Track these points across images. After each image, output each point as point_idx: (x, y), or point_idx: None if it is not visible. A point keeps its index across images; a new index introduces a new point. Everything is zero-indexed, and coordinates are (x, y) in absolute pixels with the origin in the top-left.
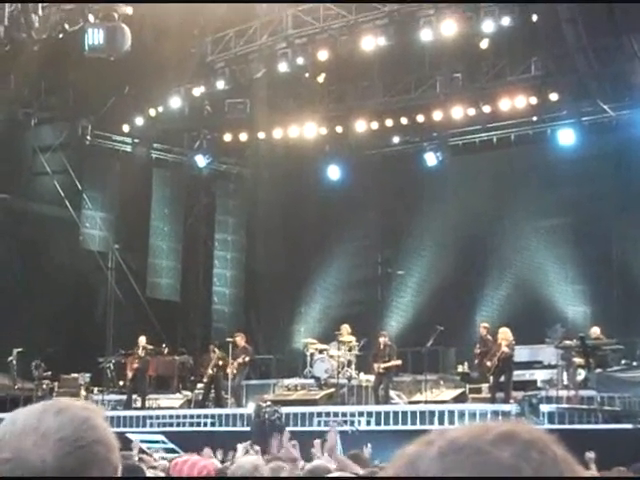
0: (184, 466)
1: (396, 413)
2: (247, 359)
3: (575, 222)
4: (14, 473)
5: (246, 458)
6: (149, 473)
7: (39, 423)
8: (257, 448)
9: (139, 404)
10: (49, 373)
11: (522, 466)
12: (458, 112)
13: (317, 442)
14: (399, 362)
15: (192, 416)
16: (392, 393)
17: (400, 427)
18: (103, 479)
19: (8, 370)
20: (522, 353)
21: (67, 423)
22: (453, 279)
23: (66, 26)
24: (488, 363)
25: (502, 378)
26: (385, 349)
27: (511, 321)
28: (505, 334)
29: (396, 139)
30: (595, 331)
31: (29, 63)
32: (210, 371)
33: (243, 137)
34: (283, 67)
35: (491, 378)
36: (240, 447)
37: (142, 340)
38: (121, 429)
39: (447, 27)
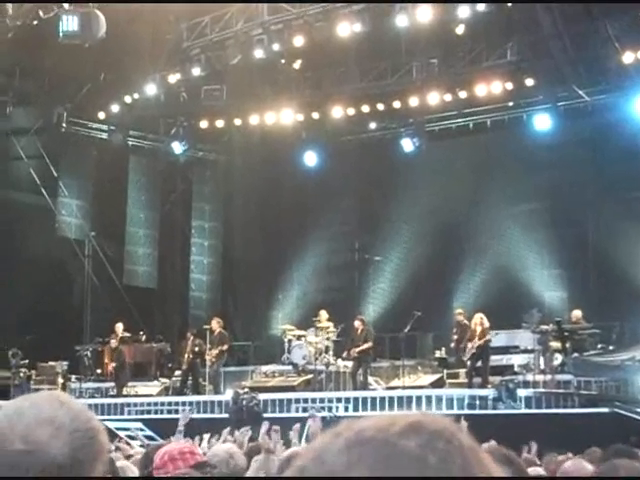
0: (154, 454)
1: (374, 399)
2: (225, 347)
3: (551, 207)
4: (35, 466)
5: (220, 445)
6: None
7: (52, 415)
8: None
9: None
10: (26, 361)
11: (428, 456)
12: (434, 98)
13: (296, 427)
14: (370, 344)
15: (170, 403)
16: (370, 379)
17: (378, 413)
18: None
19: None
20: (499, 338)
21: (77, 415)
22: (430, 265)
23: (40, 13)
24: (466, 348)
25: (479, 363)
26: (362, 333)
27: (488, 306)
28: (480, 319)
29: (373, 125)
30: (577, 314)
31: (3, 50)
32: (188, 358)
33: (219, 124)
34: (259, 53)
35: (468, 363)
36: (224, 433)
37: (119, 327)
38: (99, 417)
39: (423, 13)
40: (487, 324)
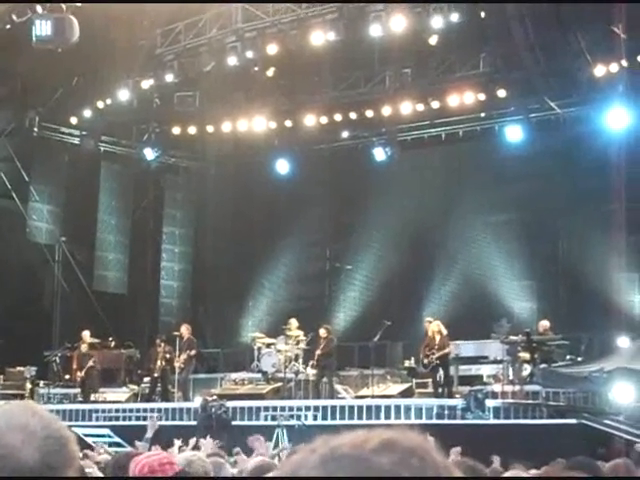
0: (132, 465)
1: (343, 407)
2: (193, 353)
3: (522, 218)
4: (5, 470)
5: (181, 454)
6: (93, 469)
7: (25, 422)
8: (210, 441)
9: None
10: None
11: (400, 473)
12: (407, 107)
13: (260, 437)
14: (328, 350)
15: (139, 410)
16: (339, 387)
17: (347, 422)
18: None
19: None
20: (468, 348)
21: (49, 422)
22: (401, 274)
23: (14, 17)
24: (425, 359)
25: (440, 372)
26: (324, 341)
27: (458, 315)
28: (438, 327)
29: (345, 134)
30: (544, 324)
31: None
32: (158, 364)
33: (192, 130)
34: (232, 60)
35: (431, 373)
36: (176, 443)
37: (86, 334)
38: (67, 423)
39: (396, 23)
40: (445, 332)
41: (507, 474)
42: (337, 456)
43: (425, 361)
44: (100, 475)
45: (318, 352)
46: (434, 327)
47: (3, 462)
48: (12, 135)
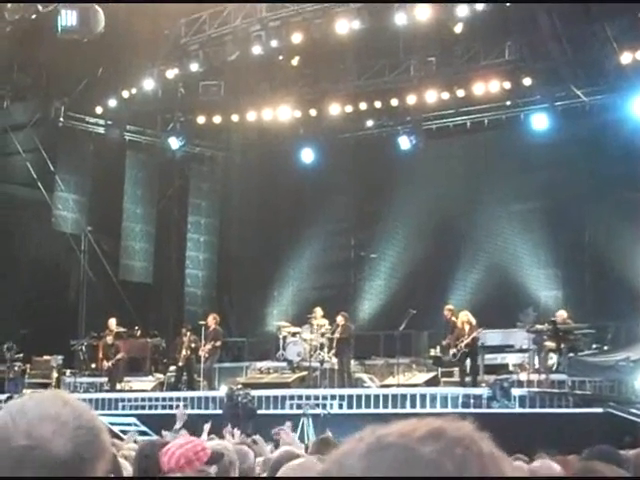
0: (165, 458)
1: (368, 396)
2: (218, 343)
3: (548, 207)
4: (38, 461)
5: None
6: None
7: (56, 412)
8: (236, 432)
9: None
10: (21, 355)
11: (443, 462)
12: (432, 96)
13: (288, 424)
14: (345, 336)
15: (164, 399)
16: (364, 376)
17: (372, 410)
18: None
19: None
20: (494, 337)
21: (81, 412)
22: (426, 263)
23: (39, 7)
24: (453, 349)
25: (468, 361)
26: (341, 329)
27: (483, 305)
28: (467, 317)
29: (370, 123)
30: (562, 314)
31: (2, 44)
32: (183, 354)
33: (217, 120)
34: (257, 50)
35: (458, 362)
36: (206, 428)
37: (112, 322)
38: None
39: (421, 11)
40: (474, 321)
41: (533, 464)
42: (383, 445)
43: (454, 350)
44: (127, 465)
45: (336, 336)
46: (463, 317)
47: (34, 453)
48: (37, 125)
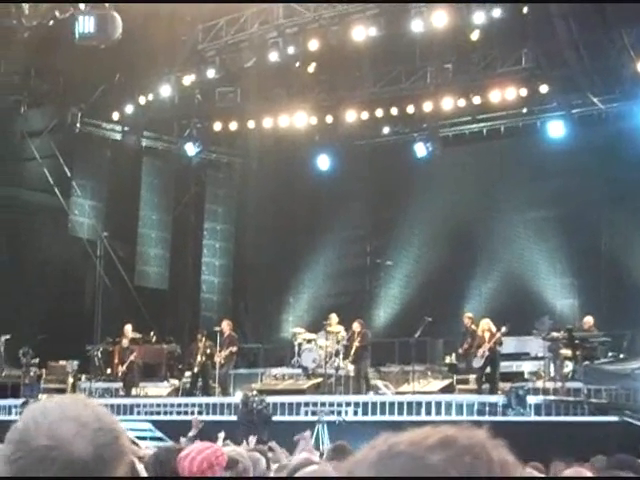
0: (185, 463)
1: (383, 404)
2: (235, 349)
3: (564, 214)
4: (58, 462)
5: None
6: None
7: (77, 414)
8: (251, 438)
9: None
10: (37, 360)
11: (450, 471)
12: (448, 103)
13: (308, 433)
14: (363, 343)
15: (180, 405)
16: (379, 383)
17: (387, 418)
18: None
19: None
20: (509, 344)
21: (101, 415)
22: (442, 270)
23: (56, 13)
24: (475, 354)
25: (488, 369)
26: (358, 336)
27: (499, 312)
28: (488, 325)
29: (386, 129)
30: (588, 320)
31: (19, 50)
32: (199, 360)
33: (233, 126)
34: (274, 56)
35: (478, 369)
36: (220, 436)
37: (128, 329)
38: None
39: (438, 18)
40: (494, 329)
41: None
42: (394, 453)
43: (479, 357)
44: (142, 470)
45: (356, 344)
46: (484, 325)
47: (55, 453)
48: (54, 131)
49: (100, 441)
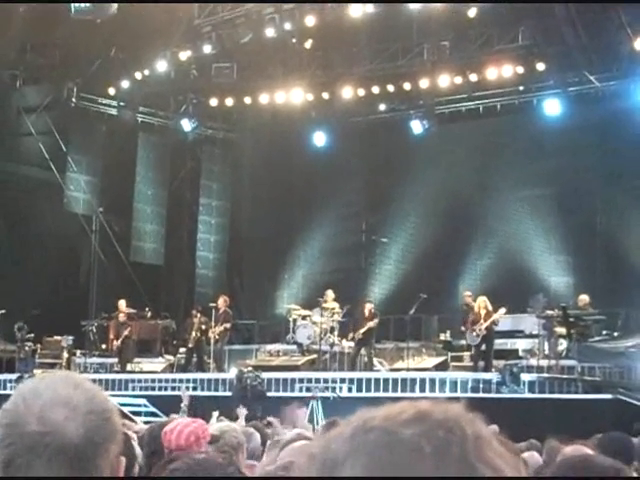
0: (172, 436)
1: (377, 380)
2: (229, 326)
3: (560, 193)
4: (48, 447)
5: (215, 424)
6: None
7: (68, 396)
8: (243, 411)
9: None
10: (32, 335)
11: (422, 445)
12: (445, 80)
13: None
14: (373, 324)
15: (174, 380)
16: (374, 360)
17: (381, 394)
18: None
19: None
20: (504, 322)
21: (92, 395)
22: (437, 247)
23: None
24: (473, 331)
25: (483, 347)
26: (369, 316)
27: (494, 290)
28: (485, 302)
29: (382, 106)
30: (583, 299)
31: (15, 24)
32: (193, 335)
33: (229, 102)
34: (270, 32)
35: (473, 347)
36: (214, 415)
37: (122, 304)
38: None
39: None
40: (491, 307)
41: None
42: (367, 428)
43: (474, 334)
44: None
45: (370, 325)
46: (481, 303)
47: (48, 439)
48: (50, 106)
49: (91, 424)
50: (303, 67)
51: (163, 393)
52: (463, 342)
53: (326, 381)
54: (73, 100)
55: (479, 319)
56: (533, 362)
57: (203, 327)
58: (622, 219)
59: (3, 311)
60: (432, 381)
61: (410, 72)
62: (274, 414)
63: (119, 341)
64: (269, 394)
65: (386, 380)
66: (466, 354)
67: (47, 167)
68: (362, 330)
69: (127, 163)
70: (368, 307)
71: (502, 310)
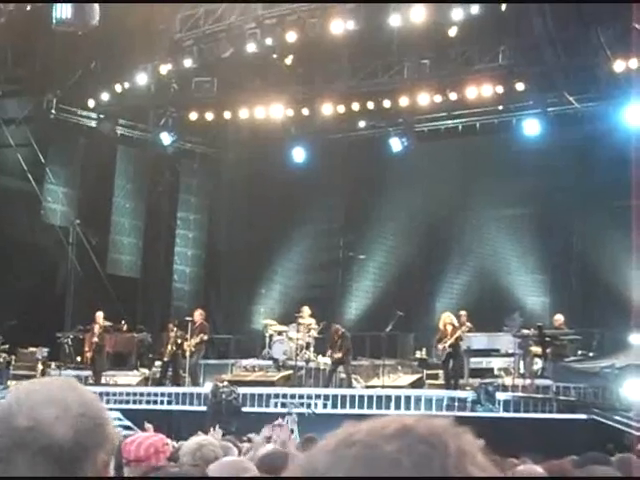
0: (131, 447)
1: (353, 397)
2: (205, 337)
3: (537, 213)
4: (35, 443)
5: (193, 438)
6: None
7: (62, 396)
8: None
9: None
10: (6, 346)
11: (402, 460)
12: (425, 98)
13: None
14: (345, 351)
15: (149, 394)
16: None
17: (357, 411)
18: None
19: None
20: (480, 341)
21: (87, 400)
22: (414, 265)
23: None
24: (437, 350)
25: (451, 364)
26: (338, 340)
27: (470, 308)
28: (450, 318)
29: (362, 123)
30: (559, 318)
31: None
32: (169, 349)
33: (209, 116)
34: (251, 47)
35: (442, 364)
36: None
37: (99, 315)
38: None
39: (416, 13)
40: (456, 323)
41: (518, 468)
42: (350, 442)
43: (439, 351)
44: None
45: (343, 351)
46: (446, 319)
47: (34, 435)
48: (30, 118)
49: (81, 427)
50: (283, 83)
51: (138, 407)
52: (434, 360)
53: (301, 397)
54: (52, 112)
55: (445, 335)
56: (508, 381)
57: (179, 341)
58: (599, 240)
59: None
60: (407, 398)
61: (390, 90)
62: (250, 430)
63: (91, 350)
64: (244, 409)
65: (361, 397)
66: (441, 372)
67: (25, 178)
68: (337, 356)
69: (106, 176)
70: (335, 328)
71: (468, 324)
